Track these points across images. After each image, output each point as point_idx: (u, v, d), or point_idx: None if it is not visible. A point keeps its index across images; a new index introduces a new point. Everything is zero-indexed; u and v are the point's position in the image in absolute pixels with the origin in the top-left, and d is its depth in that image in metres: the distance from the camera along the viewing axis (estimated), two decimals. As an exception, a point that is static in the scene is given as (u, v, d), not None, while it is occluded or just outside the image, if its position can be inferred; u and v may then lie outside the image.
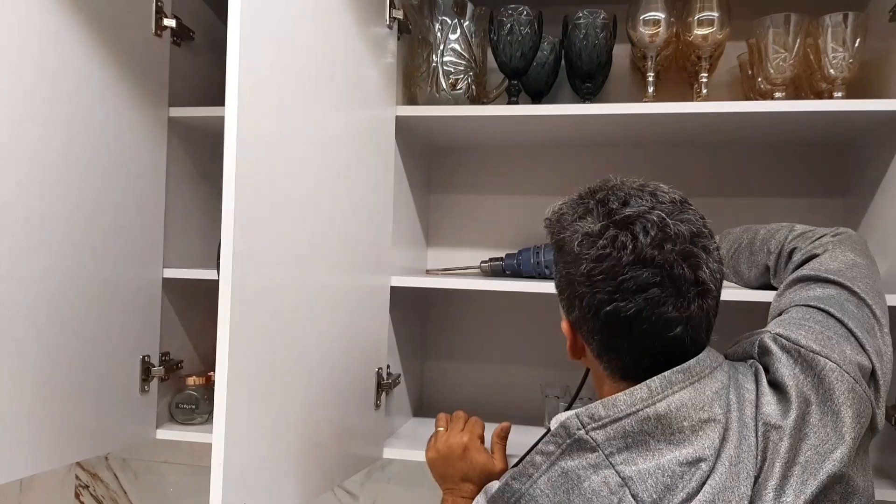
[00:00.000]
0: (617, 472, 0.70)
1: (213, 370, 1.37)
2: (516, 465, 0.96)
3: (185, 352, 1.38)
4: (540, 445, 0.75)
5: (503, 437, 1.12)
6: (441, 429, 1.14)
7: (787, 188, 1.40)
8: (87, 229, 1.11)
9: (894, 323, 0.89)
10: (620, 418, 0.71)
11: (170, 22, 1.26)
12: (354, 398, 1.11)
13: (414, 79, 1.31)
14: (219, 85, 1.44)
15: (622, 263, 0.72)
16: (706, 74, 1.22)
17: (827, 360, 0.75)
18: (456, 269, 1.46)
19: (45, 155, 1.03)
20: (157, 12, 1.24)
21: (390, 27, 1.20)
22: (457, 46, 1.27)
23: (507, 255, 1.38)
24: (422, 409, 1.50)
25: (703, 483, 0.68)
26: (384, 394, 1.21)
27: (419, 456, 1.17)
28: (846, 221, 1.33)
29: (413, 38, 1.31)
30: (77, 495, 1.72)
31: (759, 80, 1.23)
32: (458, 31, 1.27)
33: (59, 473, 1.71)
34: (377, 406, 1.19)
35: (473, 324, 1.53)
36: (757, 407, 0.73)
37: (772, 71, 1.18)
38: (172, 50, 1.30)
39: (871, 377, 0.77)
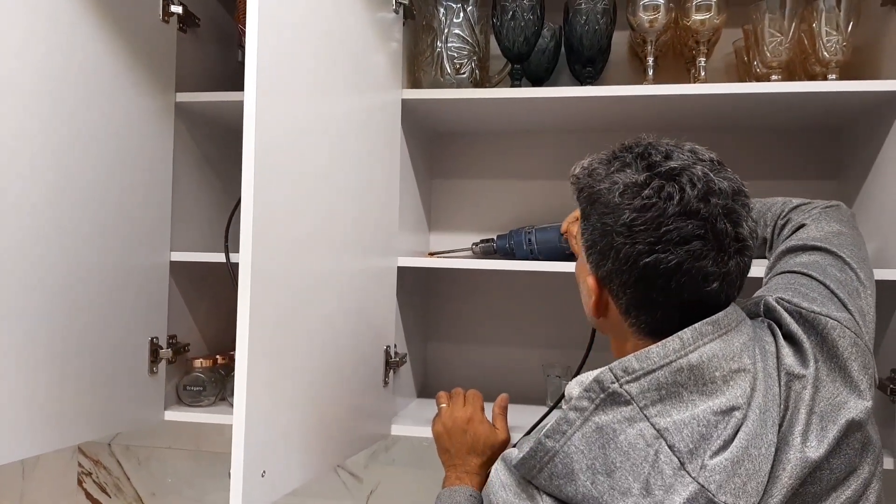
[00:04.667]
0: (652, 424, 0.70)
1: (219, 353, 1.40)
2: (527, 433, 0.99)
3: (191, 335, 1.40)
4: (573, 402, 0.74)
5: (504, 407, 1.15)
6: (443, 405, 1.17)
7: (781, 171, 1.43)
8: (96, 212, 1.12)
9: (885, 298, 0.92)
10: (654, 370, 0.71)
11: (176, 8, 1.28)
12: (364, 375, 1.14)
13: (419, 63, 1.33)
14: (223, 71, 1.47)
15: (667, 214, 0.71)
16: (704, 59, 1.26)
17: (828, 319, 0.77)
18: (448, 251, 1.48)
19: (55, 138, 1.04)
20: (164, -1, 1.26)
21: (396, 12, 1.23)
22: (460, 32, 1.30)
23: (497, 237, 1.40)
24: (426, 390, 1.52)
25: (737, 431, 0.69)
26: (392, 372, 1.23)
27: (425, 433, 1.19)
28: (839, 203, 1.37)
29: (417, 23, 1.33)
30: (80, 482, 1.73)
31: (756, 63, 1.26)
32: (462, 16, 1.29)
33: (61, 460, 1.72)
34: (385, 383, 1.21)
35: (476, 306, 1.55)
36: (778, 358, 0.75)
37: (768, 54, 1.22)
38: (178, 36, 1.31)
39: None
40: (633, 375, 0.72)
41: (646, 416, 0.70)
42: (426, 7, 1.31)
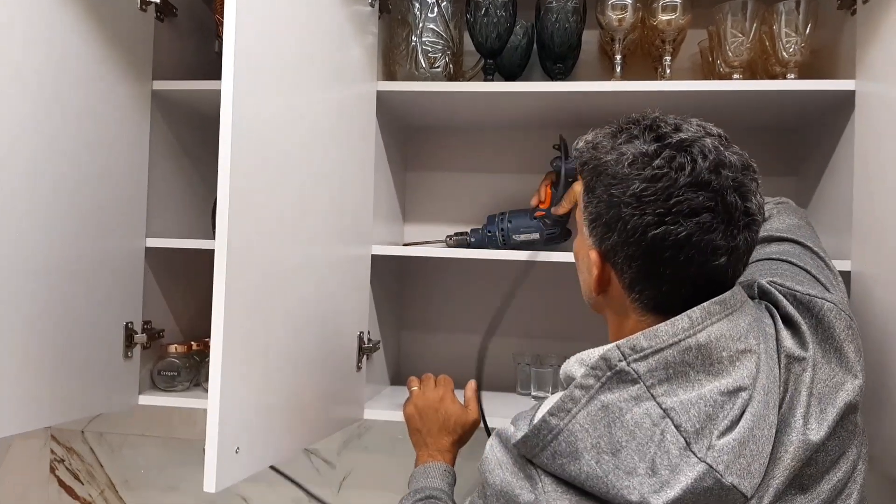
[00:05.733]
0: (658, 403, 0.69)
1: (194, 340, 1.42)
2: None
3: (166, 321, 1.41)
4: (579, 379, 0.73)
5: (475, 390, 1.18)
6: (415, 388, 1.20)
7: (743, 168, 1.48)
8: (72, 198, 1.14)
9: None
10: (662, 349, 0.70)
11: (154, -3, 1.30)
12: (337, 359, 1.16)
13: (394, 57, 1.36)
14: (200, 61, 1.48)
15: (678, 185, 0.70)
16: (669, 58, 1.30)
17: (823, 301, 0.77)
18: (423, 242, 1.51)
19: (32, 125, 1.05)
20: (142, -13, 1.27)
21: (372, 6, 1.25)
22: (435, 27, 1.33)
23: (471, 230, 1.43)
24: (399, 377, 1.55)
25: (743, 412, 0.69)
26: (365, 357, 1.26)
27: (398, 417, 1.22)
28: (797, 200, 1.41)
29: (393, 17, 1.36)
30: (52, 469, 1.73)
31: (719, 62, 1.31)
32: (437, 11, 1.32)
33: (34, 447, 1.72)
34: (358, 368, 1.24)
35: (449, 295, 1.59)
36: (777, 340, 0.75)
37: (730, 54, 1.26)
38: (156, 25, 1.33)
39: None
40: (642, 354, 0.71)
41: (652, 395, 0.70)
42: (401, 1, 1.34)
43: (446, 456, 1.10)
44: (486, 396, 1.28)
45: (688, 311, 0.72)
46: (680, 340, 0.71)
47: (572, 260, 1.22)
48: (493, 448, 0.78)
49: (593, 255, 0.78)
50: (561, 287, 1.49)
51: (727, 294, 0.73)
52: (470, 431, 1.15)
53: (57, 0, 1.09)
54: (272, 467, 1.20)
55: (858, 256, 1.12)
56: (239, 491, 1.65)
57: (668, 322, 0.72)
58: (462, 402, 1.17)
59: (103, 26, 1.18)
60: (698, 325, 0.71)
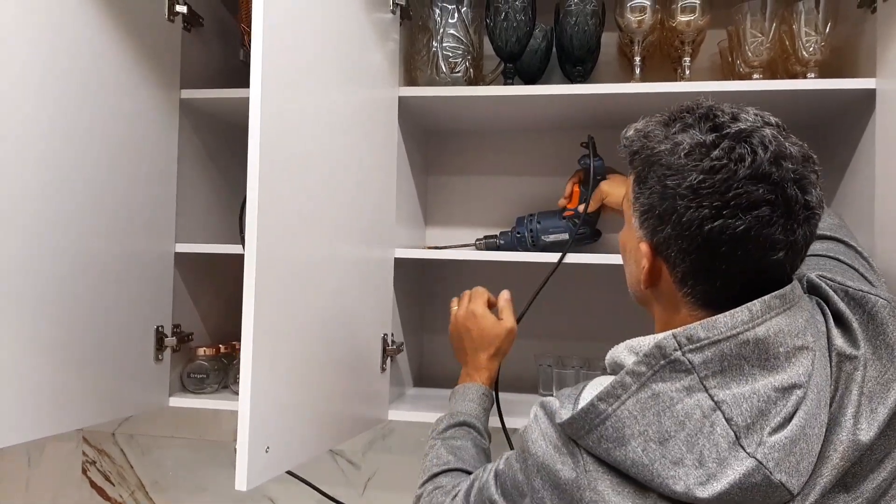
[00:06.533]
0: (710, 395, 0.68)
1: (222, 343, 1.45)
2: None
3: (194, 325, 1.44)
4: (631, 366, 0.71)
5: (507, 300, 1.17)
6: (454, 308, 1.20)
7: (764, 168, 1.48)
8: (104, 205, 1.17)
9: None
10: (720, 340, 0.69)
11: (181, 8, 1.33)
12: (362, 361, 1.18)
13: (415, 63, 1.38)
14: (226, 70, 1.52)
15: (738, 177, 0.68)
16: (689, 59, 1.31)
17: (877, 298, 0.75)
18: (452, 246, 1.53)
19: (63, 133, 1.08)
20: (169, -2, 1.31)
21: (393, 13, 1.28)
22: (455, 32, 1.35)
23: (500, 233, 1.45)
24: (422, 379, 1.57)
25: (797, 409, 0.67)
26: (389, 359, 1.28)
27: (422, 418, 1.25)
28: (820, 198, 1.42)
29: (414, 24, 1.38)
30: (84, 470, 1.77)
31: (738, 63, 1.31)
32: (457, 17, 1.34)
33: (66, 449, 1.76)
34: (383, 370, 1.26)
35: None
36: (829, 338, 0.73)
37: (749, 54, 1.27)
38: (183, 35, 1.36)
39: None
40: (698, 344, 0.69)
41: (705, 386, 0.68)
42: (422, 8, 1.36)
43: (483, 374, 1.12)
44: (506, 397, 1.29)
45: (748, 304, 0.70)
46: (738, 333, 0.69)
47: (596, 262, 1.24)
48: (537, 419, 0.78)
49: (644, 247, 0.76)
50: (584, 288, 1.50)
51: (787, 288, 0.72)
52: (507, 341, 1.14)
53: (87, 11, 1.12)
54: (294, 474, 1.22)
55: (882, 254, 1.12)
56: (266, 492, 1.68)
57: (727, 313, 0.70)
58: (497, 315, 1.16)
59: (132, 36, 1.21)
60: (758, 318, 0.70)
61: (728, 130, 0.70)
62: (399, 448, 1.63)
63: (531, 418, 0.79)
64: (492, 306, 1.17)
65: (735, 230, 0.68)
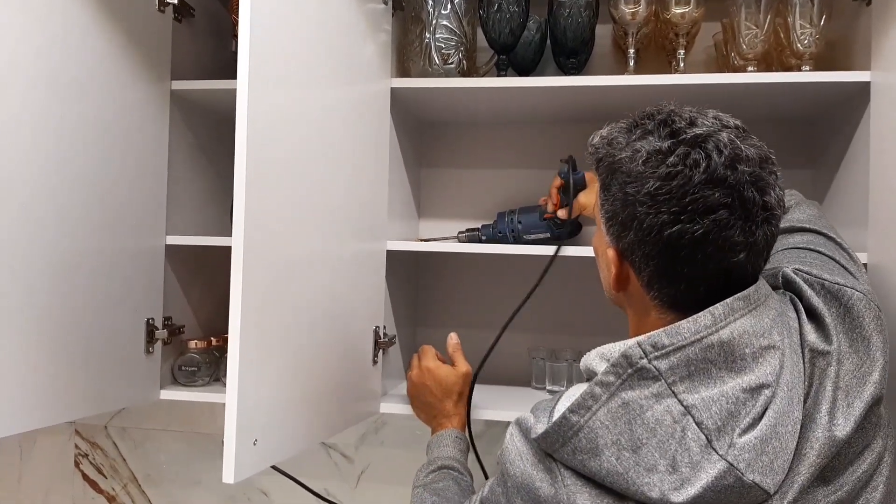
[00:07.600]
0: (679, 400, 0.69)
1: (213, 336, 1.44)
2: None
3: (185, 317, 1.44)
4: (599, 377, 0.72)
5: (455, 345, 1.23)
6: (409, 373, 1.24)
7: (759, 161, 1.47)
8: (94, 196, 1.16)
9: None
10: (684, 346, 0.70)
11: (172, -1, 1.32)
12: (353, 353, 1.18)
13: (407, 54, 1.37)
14: (217, 61, 1.51)
15: (693, 182, 0.69)
16: (683, 51, 1.30)
17: (853, 291, 0.76)
18: (437, 238, 1.51)
19: (53, 125, 1.07)
20: (160, -12, 1.29)
21: (385, 3, 1.27)
22: (448, 23, 1.34)
23: (482, 226, 1.44)
24: (414, 372, 1.56)
25: (766, 409, 0.68)
26: (381, 351, 1.27)
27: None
28: (814, 192, 1.42)
29: (406, 15, 1.37)
30: (77, 463, 1.76)
31: (733, 55, 1.31)
32: (449, 8, 1.33)
33: (59, 442, 1.76)
34: (374, 363, 1.25)
35: (463, 291, 1.60)
36: (801, 334, 0.74)
37: (744, 46, 1.26)
38: (174, 26, 1.35)
39: None
40: (663, 351, 0.70)
41: (673, 392, 0.69)
42: (415, -1, 1.35)
43: (454, 420, 1.15)
44: (501, 391, 1.28)
45: (710, 308, 0.71)
46: (702, 338, 0.70)
47: (587, 255, 1.24)
48: (513, 438, 0.78)
49: (611, 253, 0.78)
50: (576, 282, 1.49)
51: (751, 289, 0.73)
52: (465, 384, 1.19)
53: (75, 3, 1.11)
54: (278, 469, 1.23)
55: (875, 248, 1.11)
56: (259, 485, 1.67)
57: (690, 319, 0.71)
58: (448, 362, 1.22)
59: (122, 27, 1.20)
60: (721, 321, 0.70)
61: (684, 136, 0.71)
62: (392, 441, 1.63)
63: (507, 438, 0.79)
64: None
65: (694, 234, 0.69)
